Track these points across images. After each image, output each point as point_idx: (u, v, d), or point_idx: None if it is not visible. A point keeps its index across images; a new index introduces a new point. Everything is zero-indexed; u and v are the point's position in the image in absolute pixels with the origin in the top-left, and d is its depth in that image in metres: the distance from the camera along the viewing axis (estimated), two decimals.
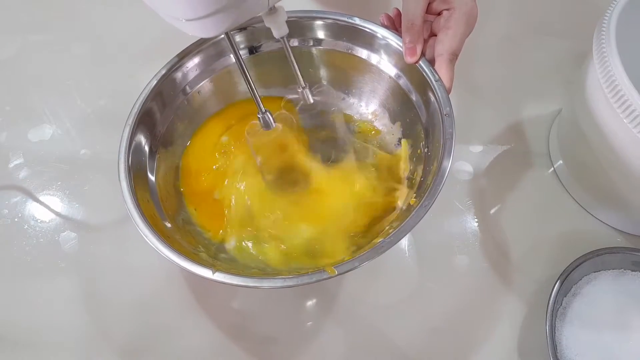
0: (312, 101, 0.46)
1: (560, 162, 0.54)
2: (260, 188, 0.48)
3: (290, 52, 0.42)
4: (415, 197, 0.43)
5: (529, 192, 0.53)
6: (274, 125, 0.44)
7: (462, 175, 0.54)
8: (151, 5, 0.33)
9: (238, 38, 0.50)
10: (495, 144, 0.56)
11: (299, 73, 0.44)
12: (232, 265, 0.43)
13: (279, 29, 0.39)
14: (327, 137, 0.50)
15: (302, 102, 0.46)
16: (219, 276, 0.36)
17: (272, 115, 0.43)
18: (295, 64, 0.43)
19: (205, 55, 0.49)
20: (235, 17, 0.33)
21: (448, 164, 0.39)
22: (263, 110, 0.43)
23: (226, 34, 0.37)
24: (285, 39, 0.41)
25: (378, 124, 0.52)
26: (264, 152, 0.46)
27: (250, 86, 0.41)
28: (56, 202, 0.54)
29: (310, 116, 0.51)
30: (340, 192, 0.47)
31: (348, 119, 0.52)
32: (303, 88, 0.45)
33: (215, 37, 0.43)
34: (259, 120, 0.43)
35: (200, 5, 0.31)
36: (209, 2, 0.31)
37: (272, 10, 0.38)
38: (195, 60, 0.48)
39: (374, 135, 0.52)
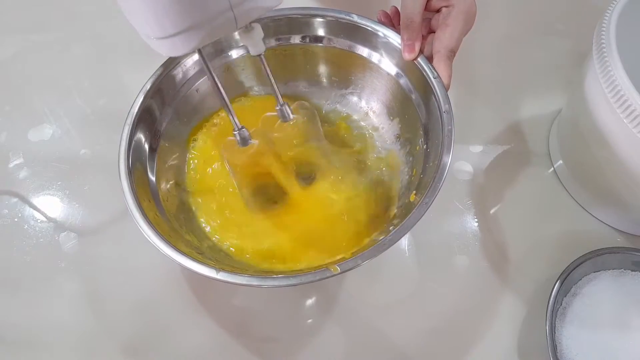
0: (291, 117, 0.44)
1: (560, 162, 0.54)
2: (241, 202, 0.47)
3: (268, 70, 0.41)
4: (415, 194, 0.43)
5: (529, 192, 0.53)
6: (250, 142, 0.42)
7: (462, 175, 0.54)
8: (131, 23, 0.34)
9: (235, 36, 0.50)
10: (495, 144, 0.56)
11: (277, 90, 0.43)
12: (231, 264, 0.43)
13: (254, 47, 0.39)
14: (307, 155, 0.48)
15: (280, 118, 0.45)
16: (223, 276, 0.36)
17: (248, 132, 0.42)
18: (273, 80, 0.42)
19: (204, 52, 0.49)
20: (203, 35, 0.33)
21: (448, 161, 0.39)
22: (239, 126, 0.41)
23: (198, 50, 0.36)
24: (262, 57, 0.40)
25: (376, 121, 0.52)
26: (241, 169, 0.45)
27: (225, 103, 0.40)
28: (56, 202, 0.54)
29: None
30: (320, 213, 0.46)
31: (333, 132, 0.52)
32: (281, 105, 0.44)
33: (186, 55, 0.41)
34: (235, 137, 0.42)
35: (168, 24, 0.31)
36: (176, 21, 0.31)
37: (248, 28, 0.37)
38: (194, 58, 0.48)
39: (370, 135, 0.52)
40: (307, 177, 0.48)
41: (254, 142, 0.43)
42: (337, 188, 0.47)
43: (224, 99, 0.39)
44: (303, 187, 0.47)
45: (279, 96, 0.43)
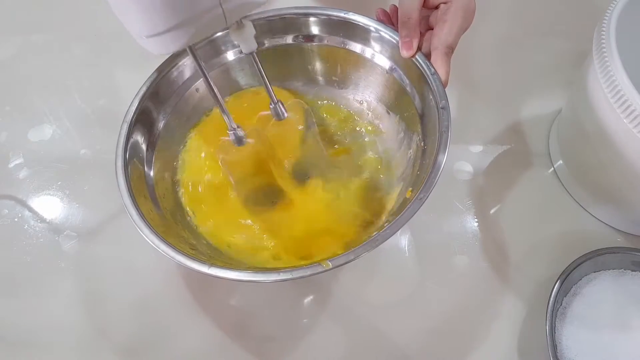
0: (285, 116, 0.44)
1: (560, 162, 0.54)
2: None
3: (260, 68, 0.41)
4: (411, 191, 0.43)
5: (529, 192, 0.53)
6: (245, 141, 0.42)
7: (462, 175, 0.54)
8: (121, 21, 0.34)
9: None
10: (495, 144, 0.56)
11: (270, 88, 0.42)
12: (227, 261, 0.43)
13: (246, 45, 0.38)
14: (304, 154, 0.49)
15: (274, 117, 0.44)
16: (214, 271, 0.36)
17: (243, 131, 0.41)
18: (266, 79, 0.42)
19: (201, 53, 0.49)
20: (193, 32, 0.33)
21: (444, 157, 0.39)
22: (234, 126, 0.41)
23: (189, 48, 0.36)
24: (254, 55, 0.40)
25: (375, 120, 0.52)
26: (237, 169, 0.45)
27: (219, 101, 0.39)
28: (56, 202, 0.54)
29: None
30: (316, 213, 0.46)
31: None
32: (275, 104, 0.43)
33: (178, 51, 0.38)
34: (230, 136, 0.41)
35: (158, 21, 0.31)
36: (166, 18, 0.31)
37: (239, 25, 0.37)
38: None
39: (372, 131, 0.52)
40: (303, 175, 0.48)
41: (250, 141, 0.42)
42: (330, 187, 0.47)
43: (217, 97, 0.39)
44: (298, 186, 0.47)
45: (273, 95, 0.43)
